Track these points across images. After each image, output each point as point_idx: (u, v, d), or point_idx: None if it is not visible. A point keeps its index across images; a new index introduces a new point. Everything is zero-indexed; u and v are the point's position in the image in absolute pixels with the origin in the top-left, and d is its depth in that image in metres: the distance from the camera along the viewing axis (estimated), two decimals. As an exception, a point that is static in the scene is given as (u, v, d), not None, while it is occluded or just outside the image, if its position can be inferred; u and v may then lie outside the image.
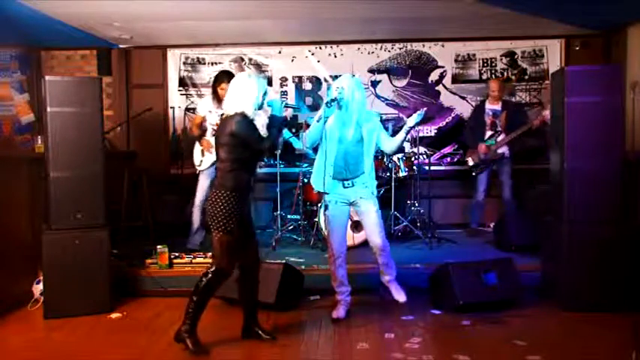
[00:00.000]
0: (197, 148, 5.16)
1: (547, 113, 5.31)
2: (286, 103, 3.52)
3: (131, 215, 5.54)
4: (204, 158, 5.08)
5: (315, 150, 3.87)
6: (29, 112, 6.15)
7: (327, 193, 3.71)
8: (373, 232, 3.74)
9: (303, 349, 3.31)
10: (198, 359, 3.16)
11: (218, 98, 4.84)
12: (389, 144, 3.76)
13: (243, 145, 3.18)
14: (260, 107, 3.29)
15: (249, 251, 3.38)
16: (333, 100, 3.58)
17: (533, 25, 5.68)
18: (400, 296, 3.83)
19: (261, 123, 3.51)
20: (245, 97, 3.21)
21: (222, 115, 3.39)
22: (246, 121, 3.18)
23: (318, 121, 3.67)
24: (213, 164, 4.85)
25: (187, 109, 6.42)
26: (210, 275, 3.22)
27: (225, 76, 4.82)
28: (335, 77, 6.33)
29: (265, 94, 3.30)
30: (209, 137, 4.97)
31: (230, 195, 3.16)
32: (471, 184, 5.81)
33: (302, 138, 3.91)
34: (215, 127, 3.40)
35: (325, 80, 6.42)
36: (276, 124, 3.30)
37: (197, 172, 5.19)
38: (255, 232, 3.47)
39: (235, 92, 3.24)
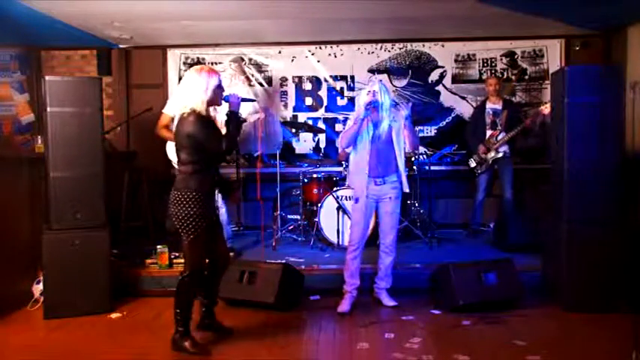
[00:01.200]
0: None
1: (542, 109, 5.32)
2: (244, 98, 3.43)
3: (131, 215, 5.53)
4: None
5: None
6: (29, 112, 6.15)
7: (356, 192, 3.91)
8: (389, 232, 3.99)
9: (303, 349, 3.30)
10: (198, 359, 3.16)
11: None
12: (409, 144, 4.01)
13: (202, 146, 3.08)
14: (212, 103, 3.15)
15: (218, 247, 3.35)
16: (369, 104, 3.77)
17: (533, 25, 5.68)
18: (391, 302, 4.01)
19: (220, 120, 3.45)
20: (194, 93, 3.05)
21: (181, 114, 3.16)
22: (201, 120, 3.05)
23: (354, 124, 3.84)
24: None
25: (187, 109, 6.43)
26: (186, 280, 3.20)
27: None
28: (335, 77, 6.38)
29: (219, 88, 3.15)
30: None
31: (196, 196, 3.08)
32: (471, 184, 5.81)
33: (337, 139, 4.08)
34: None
35: (325, 80, 6.41)
36: (234, 120, 3.20)
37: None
38: (221, 227, 3.44)
39: (184, 89, 3.11)
